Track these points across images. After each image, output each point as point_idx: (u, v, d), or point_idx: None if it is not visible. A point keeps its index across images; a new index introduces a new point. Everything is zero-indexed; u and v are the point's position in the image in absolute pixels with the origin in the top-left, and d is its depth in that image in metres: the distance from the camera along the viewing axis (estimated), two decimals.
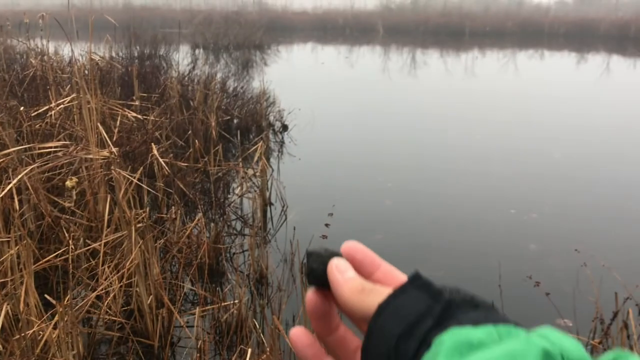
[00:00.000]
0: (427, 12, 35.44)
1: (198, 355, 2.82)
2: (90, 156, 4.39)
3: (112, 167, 4.29)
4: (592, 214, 5.43)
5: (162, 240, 4.15)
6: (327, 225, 3.32)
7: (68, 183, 3.83)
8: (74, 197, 3.72)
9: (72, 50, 5.87)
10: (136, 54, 15.75)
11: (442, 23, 31.53)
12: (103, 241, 3.54)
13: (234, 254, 4.36)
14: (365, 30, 33.32)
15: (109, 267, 3.32)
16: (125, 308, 3.33)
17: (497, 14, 33.99)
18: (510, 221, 5.21)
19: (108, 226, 3.94)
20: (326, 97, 12.00)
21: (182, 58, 15.02)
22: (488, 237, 4.88)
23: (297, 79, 14.89)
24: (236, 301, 3.22)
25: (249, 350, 2.45)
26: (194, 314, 3.15)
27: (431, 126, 9.29)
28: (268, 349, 2.61)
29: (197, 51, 20.35)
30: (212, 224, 4.40)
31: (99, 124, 4.48)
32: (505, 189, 6.13)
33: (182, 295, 3.75)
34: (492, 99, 12.23)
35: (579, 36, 29.78)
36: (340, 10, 37.89)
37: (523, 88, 13.99)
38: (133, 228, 3.33)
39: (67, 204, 3.87)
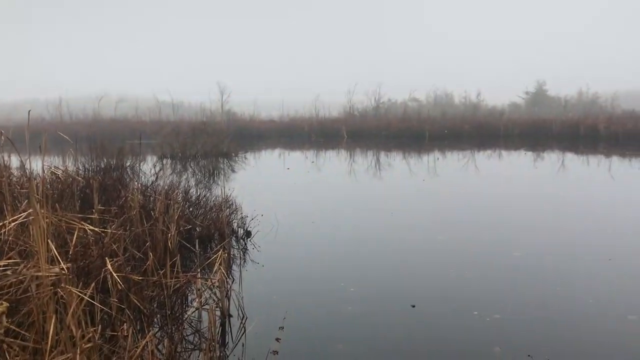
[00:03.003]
0: (388, 117, 36.99)
1: None
2: (40, 274, 4.26)
3: (62, 284, 4.16)
4: (551, 316, 5.41)
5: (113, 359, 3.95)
6: (277, 339, 3.22)
7: None
8: (4, 323, 3.55)
9: (29, 164, 5.86)
10: (103, 166, 15.86)
11: (403, 127, 32.83)
12: None
13: None
14: (330, 136, 34.39)
15: None
16: None
17: (454, 118, 35.65)
18: (473, 323, 5.15)
19: (57, 347, 3.75)
20: (291, 202, 12.10)
21: (149, 169, 15.14)
22: (452, 340, 4.79)
23: (262, 185, 15.06)
24: None
25: None
26: None
27: (395, 228, 9.36)
28: None
29: (164, 161, 20.58)
30: (167, 340, 4.22)
31: (48, 241, 4.38)
32: (466, 290, 6.11)
33: None
34: (455, 198, 12.50)
35: (533, 136, 31.23)
36: (305, 118, 39.25)
37: (483, 186, 14.39)
38: (78, 350, 3.18)
39: None
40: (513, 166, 19.57)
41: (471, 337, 4.85)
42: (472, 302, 5.69)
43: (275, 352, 3.12)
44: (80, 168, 12.33)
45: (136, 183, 8.58)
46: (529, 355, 3.93)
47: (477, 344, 4.71)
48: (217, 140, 23.28)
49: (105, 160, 16.37)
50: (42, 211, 4.57)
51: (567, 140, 28.94)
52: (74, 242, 5.56)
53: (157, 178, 9.44)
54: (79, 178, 8.69)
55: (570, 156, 22.10)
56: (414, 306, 5.57)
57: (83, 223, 6.34)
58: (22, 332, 3.97)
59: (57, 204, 6.73)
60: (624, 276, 6.44)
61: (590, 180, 15.40)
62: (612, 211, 10.54)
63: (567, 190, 13.70)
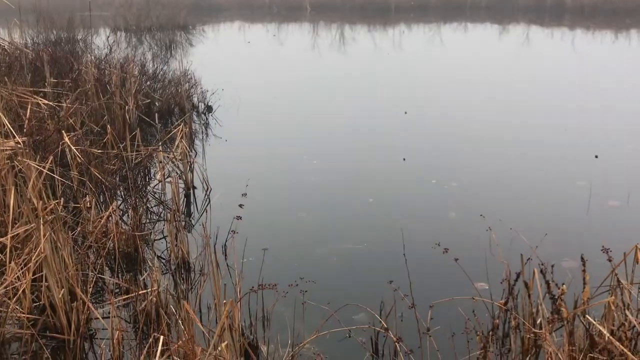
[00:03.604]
0: None
1: (113, 346, 2.75)
2: None
3: (18, 158, 4.09)
4: (507, 183, 5.64)
5: (77, 230, 4.00)
6: (241, 205, 3.29)
7: None
8: None
9: None
10: (53, 39, 15.02)
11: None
12: (10, 235, 3.37)
13: (154, 240, 4.26)
14: (293, 9, 33.03)
15: (16, 262, 3.17)
16: (37, 304, 3.19)
17: None
18: (431, 190, 5.34)
19: (19, 219, 3.76)
20: (253, 77, 11.85)
21: (102, 42, 14.43)
22: (409, 207, 4.98)
23: (223, 59, 14.62)
24: (154, 288, 3.15)
25: (161, 338, 2.40)
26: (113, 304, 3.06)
27: (358, 102, 9.34)
28: (184, 336, 2.57)
29: (118, 34, 19.61)
30: (131, 211, 4.27)
31: (0, 114, 4.23)
32: (426, 160, 6.26)
33: (100, 286, 3.64)
34: (418, 72, 12.43)
35: (499, 8, 30.64)
36: None
37: (449, 60, 14.29)
38: (41, 220, 3.18)
39: None
40: (477, 40, 19.36)
41: (429, 204, 5.05)
42: (431, 171, 5.85)
43: (239, 217, 3.19)
44: (28, 41, 11.67)
45: (90, 56, 8.20)
46: (481, 215, 4.11)
47: (435, 210, 4.92)
48: (173, 12, 22.12)
49: (54, 32, 15.49)
50: None
51: (533, 12, 28.53)
52: (27, 116, 5.39)
53: (111, 51, 9.03)
54: (28, 50, 8.23)
55: (534, 29, 21.92)
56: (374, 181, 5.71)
57: (36, 97, 6.12)
58: None
59: (5, 78, 6.43)
60: (576, 145, 6.68)
61: (551, 56, 15.42)
62: (568, 85, 10.69)
63: (527, 65, 13.73)
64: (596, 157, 6.16)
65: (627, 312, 2.48)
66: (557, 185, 5.45)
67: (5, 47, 8.16)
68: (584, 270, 2.63)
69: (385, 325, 2.79)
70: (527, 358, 2.69)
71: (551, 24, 23.77)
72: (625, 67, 12.99)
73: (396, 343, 2.69)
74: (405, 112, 8.24)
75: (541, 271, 2.65)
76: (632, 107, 8.71)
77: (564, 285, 2.55)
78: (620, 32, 20.05)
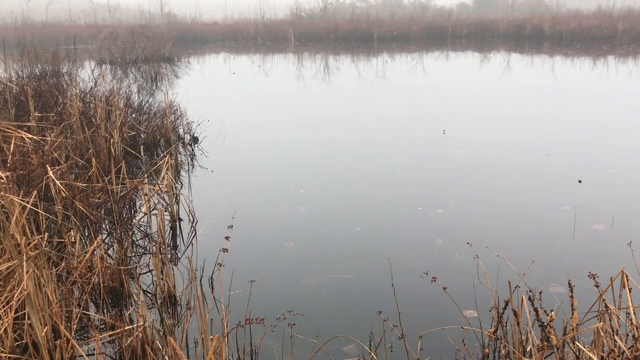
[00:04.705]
0: (336, 19, 36.00)
1: None
2: None
3: (1, 193, 4.04)
4: (493, 209, 5.67)
5: (62, 266, 3.94)
6: (227, 238, 3.27)
7: None
8: None
9: None
10: (38, 73, 15.03)
11: (351, 29, 32.12)
12: None
13: (140, 274, 4.20)
14: (277, 39, 33.42)
15: None
16: (19, 342, 3.12)
17: (403, 19, 35.05)
18: (418, 218, 5.35)
19: (2, 256, 3.69)
20: (237, 107, 11.90)
21: (87, 75, 14.45)
22: (396, 235, 4.98)
23: (208, 90, 14.68)
24: (140, 324, 3.09)
25: None
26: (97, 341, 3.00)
27: (343, 132, 9.40)
28: None
29: (103, 67, 19.67)
30: (116, 245, 4.22)
31: None
32: (411, 187, 6.29)
33: (85, 322, 3.57)
34: (402, 100, 12.57)
35: (480, 36, 31.24)
36: (251, 20, 37.76)
37: (431, 88, 14.48)
38: (24, 256, 3.13)
39: None
40: (459, 67, 19.67)
41: (415, 231, 5.06)
42: (416, 198, 5.88)
43: (225, 250, 3.17)
44: (12, 75, 11.66)
45: (75, 89, 8.19)
46: (467, 243, 4.13)
47: (421, 237, 4.92)
48: (158, 45, 22.26)
49: (39, 66, 15.51)
50: None
51: (513, 40, 29.11)
52: (11, 150, 5.35)
53: (96, 83, 9.04)
54: (12, 84, 8.22)
55: (515, 56, 22.33)
56: (360, 208, 5.72)
57: (19, 131, 6.08)
58: None
59: None
60: (560, 171, 6.75)
61: (533, 79, 15.69)
62: (553, 109, 10.85)
63: (511, 88, 13.95)
64: (580, 181, 6.23)
65: (616, 338, 2.48)
66: (543, 211, 5.49)
67: None
68: (571, 297, 2.63)
69: (375, 357, 2.77)
70: None
71: (531, 51, 24.25)
72: (605, 92, 13.24)
73: None
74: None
75: (529, 298, 2.65)
76: (614, 132, 8.85)
77: (552, 312, 2.54)
78: (598, 58, 20.49)
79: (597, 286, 2.61)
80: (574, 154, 7.58)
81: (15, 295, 2.98)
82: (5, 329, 2.98)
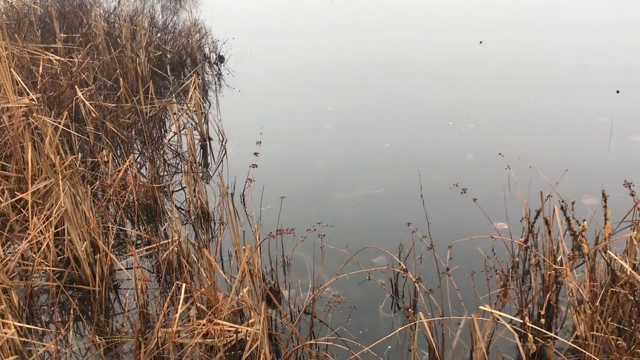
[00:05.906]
0: None
1: (138, 295, 2.81)
2: (9, 105, 4.16)
3: (34, 115, 4.10)
4: (526, 123, 5.53)
5: (96, 185, 4.04)
6: (256, 153, 3.27)
7: None
8: None
9: None
10: None
11: None
12: (30, 190, 3.42)
13: (173, 192, 4.29)
14: None
15: (38, 217, 3.21)
16: (61, 257, 3.26)
17: None
18: (448, 133, 5.27)
19: (39, 176, 3.80)
20: (264, 24, 11.62)
21: None
22: (426, 150, 4.93)
23: (232, 7, 14.33)
24: (175, 238, 3.18)
25: (184, 286, 2.44)
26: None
27: (372, 46, 9.14)
28: (206, 283, 2.61)
29: None
30: (149, 164, 4.29)
31: (13, 72, 4.21)
32: (442, 102, 6.15)
33: (122, 238, 3.70)
34: (426, 12, 12.08)
35: None
36: None
37: None
38: (59, 175, 3.21)
39: None
40: None
41: (446, 146, 4.99)
42: (447, 113, 5.76)
43: (255, 166, 3.19)
44: None
45: (98, 9, 8.07)
46: (499, 154, 4.03)
47: (452, 152, 4.86)
48: None
49: None
50: (2, 42, 4.33)
51: None
52: (40, 72, 5.37)
53: (119, 3, 8.89)
54: (36, 6, 8.14)
55: None
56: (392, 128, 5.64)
57: (47, 53, 6.08)
58: (2, 162, 3.99)
59: (15, 35, 6.38)
60: (597, 81, 6.50)
61: None
62: (589, 21, 10.30)
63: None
64: (617, 92, 6.00)
65: None
66: (578, 122, 5.34)
67: (13, 3, 8.09)
68: (605, 206, 2.59)
69: (404, 267, 2.81)
70: (548, 295, 2.69)
71: None
72: None
73: (415, 283, 2.71)
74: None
75: (561, 208, 2.62)
76: None
77: (584, 222, 2.51)
78: None
79: (632, 194, 2.55)
80: (613, 66, 7.25)
81: (54, 212, 3.08)
82: (47, 244, 3.11)
